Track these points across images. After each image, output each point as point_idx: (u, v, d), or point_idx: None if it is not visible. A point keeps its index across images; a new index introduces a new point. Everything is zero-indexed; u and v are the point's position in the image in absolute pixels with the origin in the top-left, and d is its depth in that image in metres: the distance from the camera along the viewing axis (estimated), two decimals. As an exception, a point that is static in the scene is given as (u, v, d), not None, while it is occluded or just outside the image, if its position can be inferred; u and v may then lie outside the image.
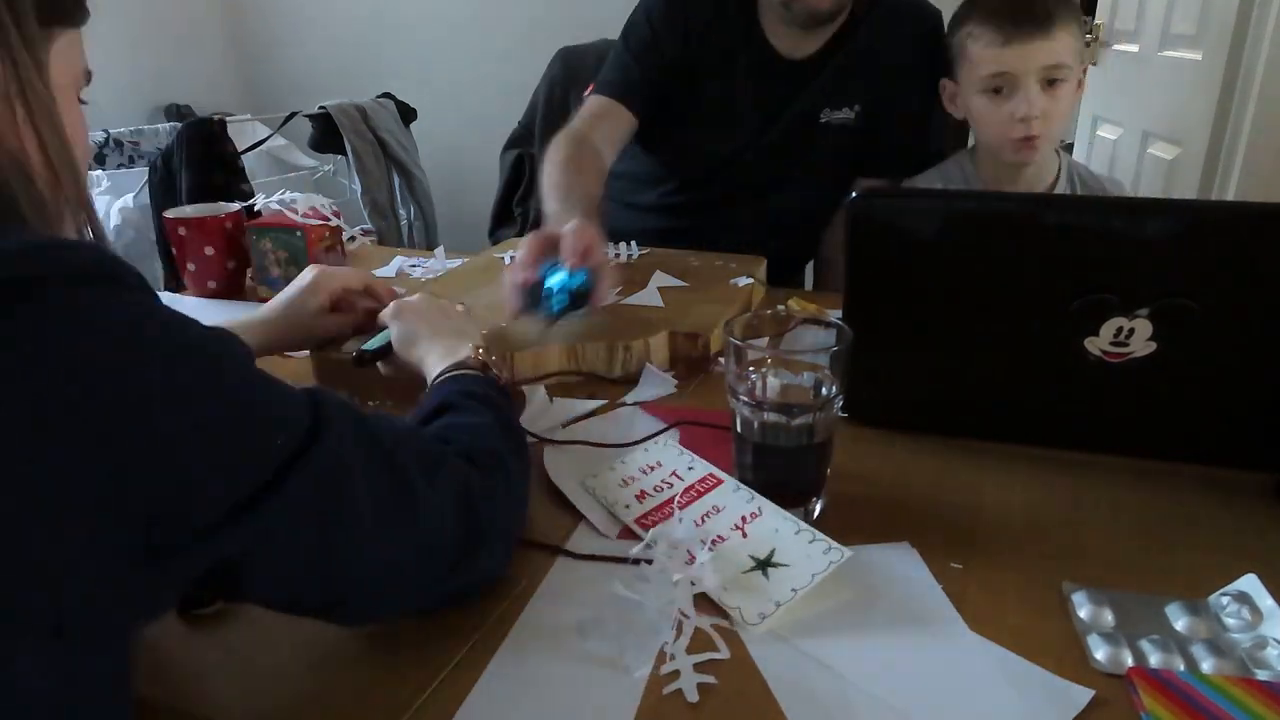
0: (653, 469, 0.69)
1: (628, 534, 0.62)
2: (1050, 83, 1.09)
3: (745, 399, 0.62)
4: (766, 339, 0.69)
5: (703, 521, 0.61)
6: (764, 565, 0.57)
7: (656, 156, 1.37)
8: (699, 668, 0.49)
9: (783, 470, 0.64)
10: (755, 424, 0.62)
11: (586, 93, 1.32)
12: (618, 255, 1.15)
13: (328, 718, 0.48)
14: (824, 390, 0.62)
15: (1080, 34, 1.10)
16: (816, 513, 0.64)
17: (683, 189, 1.36)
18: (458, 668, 0.51)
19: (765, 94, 1.26)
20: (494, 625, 0.54)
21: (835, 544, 0.57)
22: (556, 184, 1.12)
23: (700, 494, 0.65)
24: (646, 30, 1.27)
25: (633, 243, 1.18)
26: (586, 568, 0.59)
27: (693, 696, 0.48)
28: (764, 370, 0.63)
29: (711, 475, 0.67)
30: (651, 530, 0.59)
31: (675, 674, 0.49)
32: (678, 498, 0.64)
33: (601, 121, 1.24)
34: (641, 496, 0.66)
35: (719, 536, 0.60)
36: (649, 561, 0.55)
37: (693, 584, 0.55)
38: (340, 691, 0.50)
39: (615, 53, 1.30)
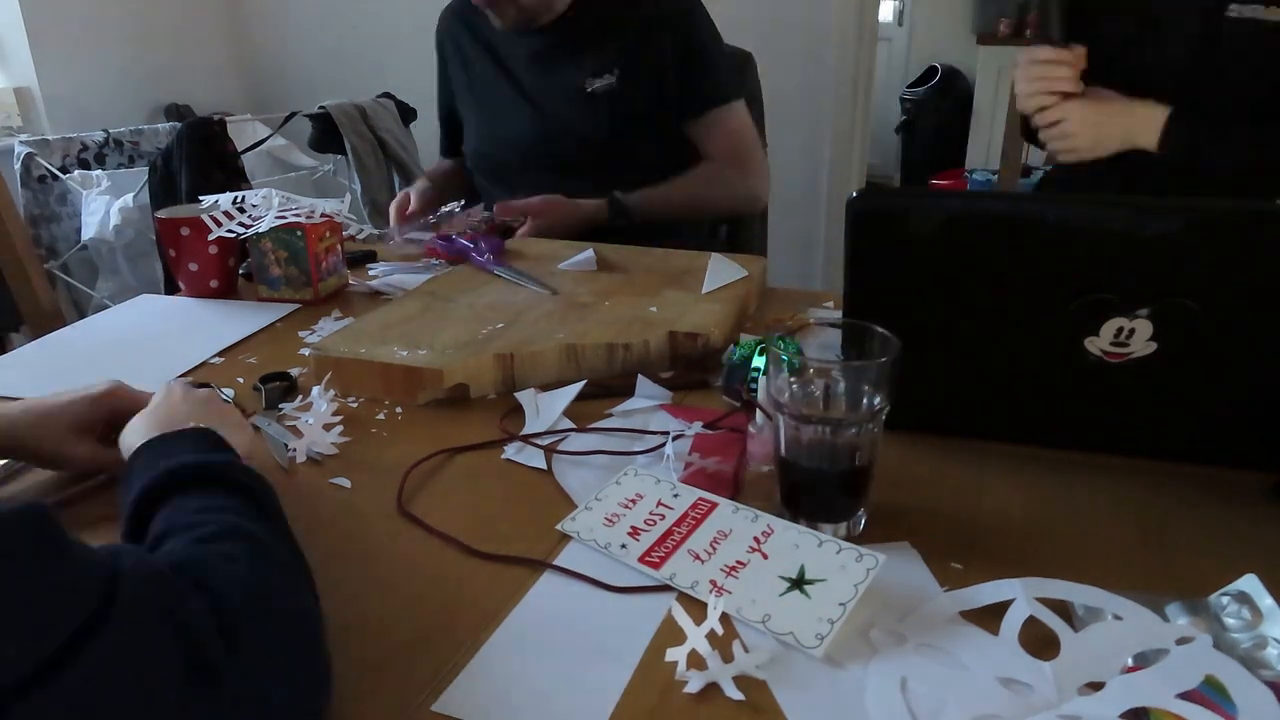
0: (634, 502, 0.65)
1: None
2: None
3: (791, 414, 0.60)
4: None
5: (714, 549, 0.59)
6: (799, 584, 0.55)
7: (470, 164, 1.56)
8: (695, 665, 0.50)
9: (832, 488, 0.62)
10: (803, 438, 0.60)
11: None
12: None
13: (333, 716, 0.48)
14: (853, 394, 0.61)
15: None
16: (861, 527, 0.63)
17: (488, 185, 1.51)
18: (454, 668, 0.51)
19: (525, 67, 1.42)
20: (485, 621, 0.54)
21: (862, 549, 0.57)
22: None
23: (699, 520, 0.62)
24: (438, 67, 1.55)
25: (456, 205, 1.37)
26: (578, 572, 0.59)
27: (694, 687, 0.48)
28: (806, 380, 0.62)
29: (703, 499, 0.65)
30: (664, 566, 0.58)
31: (672, 669, 0.49)
32: (676, 529, 0.62)
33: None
34: (635, 533, 0.61)
35: (739, 561, 0.58)
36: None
37: (735, 614, 0.54)
38: (340, 690, 0.50)
39: None
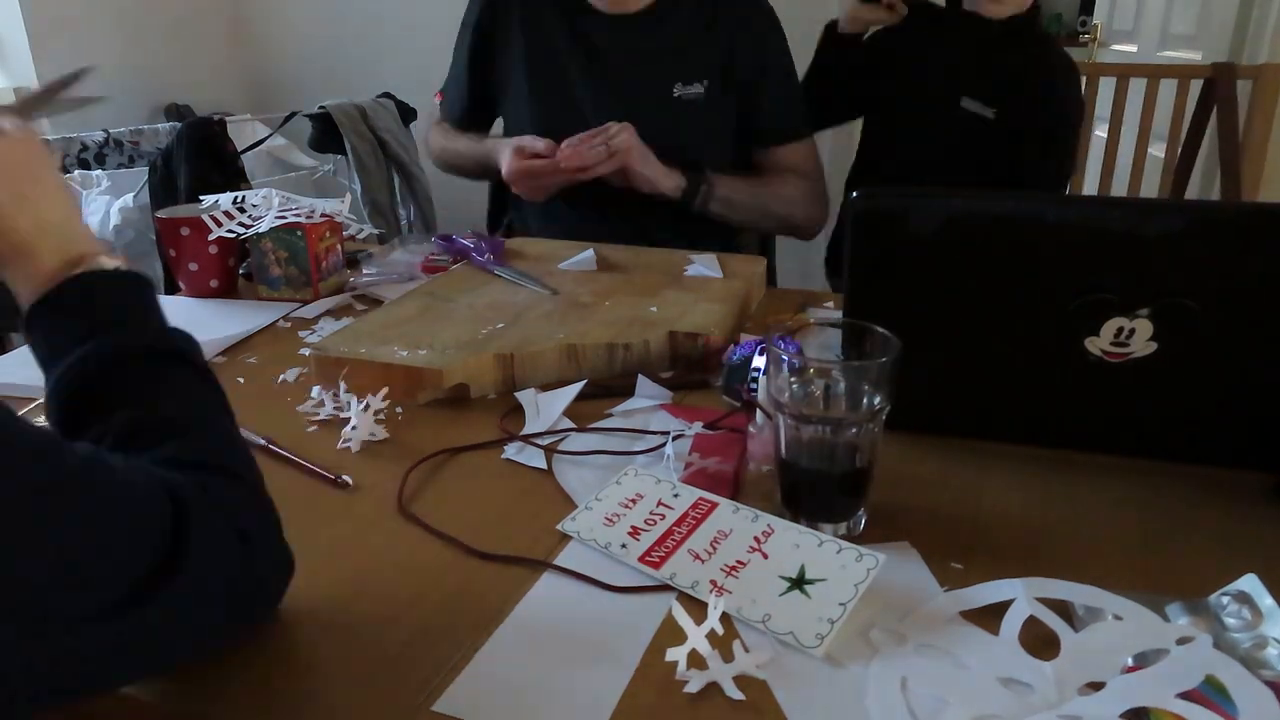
0: (635, 502, 0.65)
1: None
2: None
3: (791, 414, 0.60)
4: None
5: (714, 549, 0.59)
6: (799, 584, 0.55)
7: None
8: (696, 664, 0.50)
9: (832, 488, 0.62)
10: (804, 438, 0.61)
11: (436, 98, 1.51)
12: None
13: (333, 716, 0.48)
14: (853, 394, 0.61)
15: None
16: (861, 526, 0.63)
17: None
18: (454, 668, 0.51)
19: (599, 54, 1.31)
20: (485, 621, 0.54)
21: (863, 549, 0.57)
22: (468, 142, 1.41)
23: (699, 520, 0.62)
24: (465, 40, 1.41)
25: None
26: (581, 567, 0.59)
27: (694, 687, 0.48)
28: (806, 380, 0.62)
29: (703, 499, 0.65)
30: (664, 566, 0.58)
31: (672, 668, 0.49)
32: (676, 528, 0.62)
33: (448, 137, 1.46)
34: (635, 533, 0.61)
35: (739, 561, 0.58)
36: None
37: (736, 614, 0.54)
38: (340, 690, 0.50)
39: (451, 67, 1.45)
